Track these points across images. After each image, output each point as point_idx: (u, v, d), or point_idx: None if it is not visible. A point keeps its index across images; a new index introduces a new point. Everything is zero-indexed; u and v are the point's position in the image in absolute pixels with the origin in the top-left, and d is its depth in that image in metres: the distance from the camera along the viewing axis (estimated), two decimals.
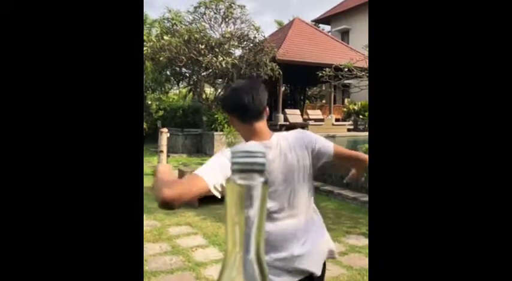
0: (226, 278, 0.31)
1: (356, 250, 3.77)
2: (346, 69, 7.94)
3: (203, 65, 11.36)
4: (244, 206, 0.31)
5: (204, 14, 12.33)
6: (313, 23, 21.61)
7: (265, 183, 0.31)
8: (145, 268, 3.31)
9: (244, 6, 12.33)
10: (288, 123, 12.39)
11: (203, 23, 12.27)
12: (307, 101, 18.47)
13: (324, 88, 18.50)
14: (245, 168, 0.31)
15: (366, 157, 1.45)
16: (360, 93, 8.69)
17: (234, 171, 0.31)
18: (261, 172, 0.31)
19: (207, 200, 5.28)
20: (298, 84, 17.95)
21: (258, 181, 0.31)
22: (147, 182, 7.05)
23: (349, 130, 13.22)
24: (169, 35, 11.62)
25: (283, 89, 15.87)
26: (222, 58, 10.99)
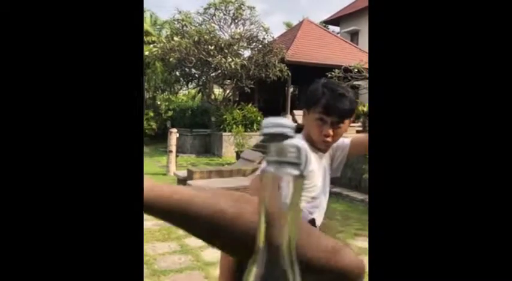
0: (255, 273, 0.31)
1: (365, 252, 3.74)
2: (355, 71, 7.91)
3: (212, 66, 11.41)
4: (277, 198, 0.31)
5: (214, 15, 12.39)
6: (323, 24, 21.52)
7: (301, 176, 0.31)
8: (155, 266, 3.34)
9: (253, 8, 12.36)
10: (296, 124, 12.33)
11: (213, 24, 12.33)
12: None
13: None
14: (280, 160, 0.31)
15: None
16: None
17: (268, 163, 0.31)
18: (296, 164, 0.31)
19: None
20: (306, 85, 17.89)
21: (292, 173, 0.31)
22: (157, 181, 7.07)
23: (358, 132, 13.12)
24: (179, 36, 11.70)
25: (291, 90, 15.83)
26: (231, 59, 11.02)
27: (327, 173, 1.46)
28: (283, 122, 0.33)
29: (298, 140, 1.36)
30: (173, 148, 8.10)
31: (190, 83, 14.11)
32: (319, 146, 1.37)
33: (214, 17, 12.42)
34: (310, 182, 1.32)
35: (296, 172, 0.31)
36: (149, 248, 3.69)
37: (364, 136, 1.61)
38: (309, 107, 1.35)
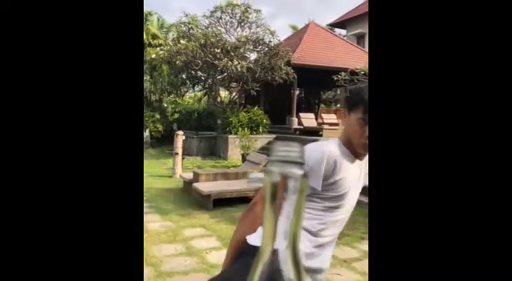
0: (260, 273, 0.31)
1: None
2: (361, 73, 7.88)
3: (218, 68, 11.45)
4: (281, 198, 0.30)
5: (220, 18, 12.44)
6: (329, 27, 21.50)
7: (304, 176, 0.31)
8: (161, 268, 3.35)
9: (259, 11, 12.38)
10: (302, 127, 12.34)
11: (219, 27, 12.37)
12: (321, 105, 18.37)
13: (338, 92, 18.36)
14: (284, 159, 0.31)
15: None
16: None
17: (272, 162, 0.31)
18: (299, 164, 0.31)
19: (221, 203, 5.30)
20: (312, 88, 17.87)
21: (296, 173, 0.31)
22: (163, 183, 7.12)
23: None
24: (185, 39, 11.76)
25: (297, 92, 15.80)
26: (237, 62, 11.05)
27: (360, 182, 1.35)
28: (292, 149, 0.33)
29: (331, 145, 1.25)
30: (179, 150, 8.13)
31: (196, 85, 14.16)
32: (358, 150, 1.25)
33: (220, 20, 12.47)
34: (339, 191, 1.24)
35: (300, 172, 0.31)
36: (155, 250, 3.71)
37: None
38: (351, 107, 1.23)
